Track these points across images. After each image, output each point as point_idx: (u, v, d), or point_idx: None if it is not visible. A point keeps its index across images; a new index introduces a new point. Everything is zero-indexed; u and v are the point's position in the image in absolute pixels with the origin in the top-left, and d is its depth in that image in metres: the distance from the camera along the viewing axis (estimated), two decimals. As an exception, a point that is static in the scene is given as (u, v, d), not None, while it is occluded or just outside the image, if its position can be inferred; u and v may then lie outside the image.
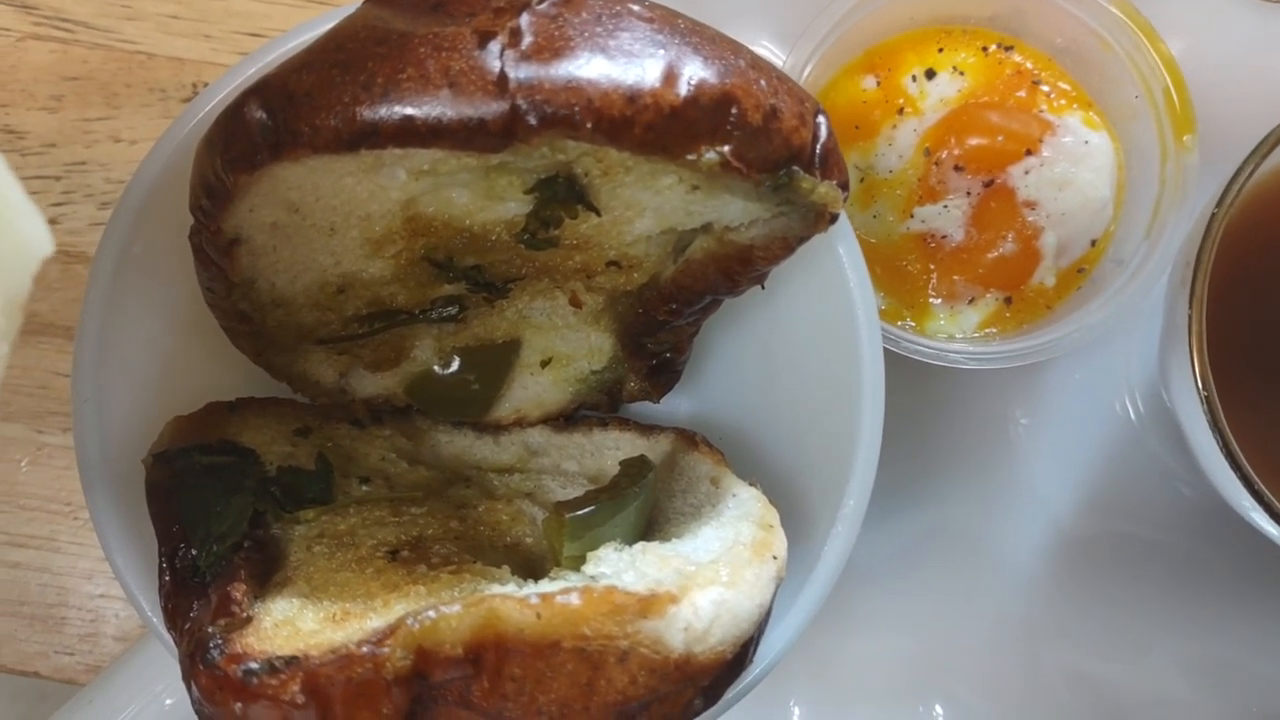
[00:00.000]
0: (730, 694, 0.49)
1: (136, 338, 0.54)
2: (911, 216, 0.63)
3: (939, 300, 0.63)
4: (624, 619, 0.42)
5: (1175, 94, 0.58)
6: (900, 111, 0.63)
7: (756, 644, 0.48)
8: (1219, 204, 0.49)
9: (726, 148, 0.43)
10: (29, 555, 0.70)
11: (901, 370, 0.62)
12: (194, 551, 0.49)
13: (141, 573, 0.52)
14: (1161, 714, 0.62)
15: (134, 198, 0.53)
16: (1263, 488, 0.50)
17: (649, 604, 0.43)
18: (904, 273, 0.63)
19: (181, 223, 0.48)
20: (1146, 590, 0.63)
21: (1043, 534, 0.65)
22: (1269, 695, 0.61)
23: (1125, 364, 0.63)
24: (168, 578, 0.49)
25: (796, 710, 0.64)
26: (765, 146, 0.44)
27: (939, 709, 0.63)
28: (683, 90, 0.42)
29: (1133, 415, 0.64)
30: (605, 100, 0.41)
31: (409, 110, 0.41)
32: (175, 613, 0.49)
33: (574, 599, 0.42)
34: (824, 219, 0.48)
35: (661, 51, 0.43)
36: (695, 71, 0.43)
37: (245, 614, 0.45)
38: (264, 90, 0.43)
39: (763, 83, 0.45)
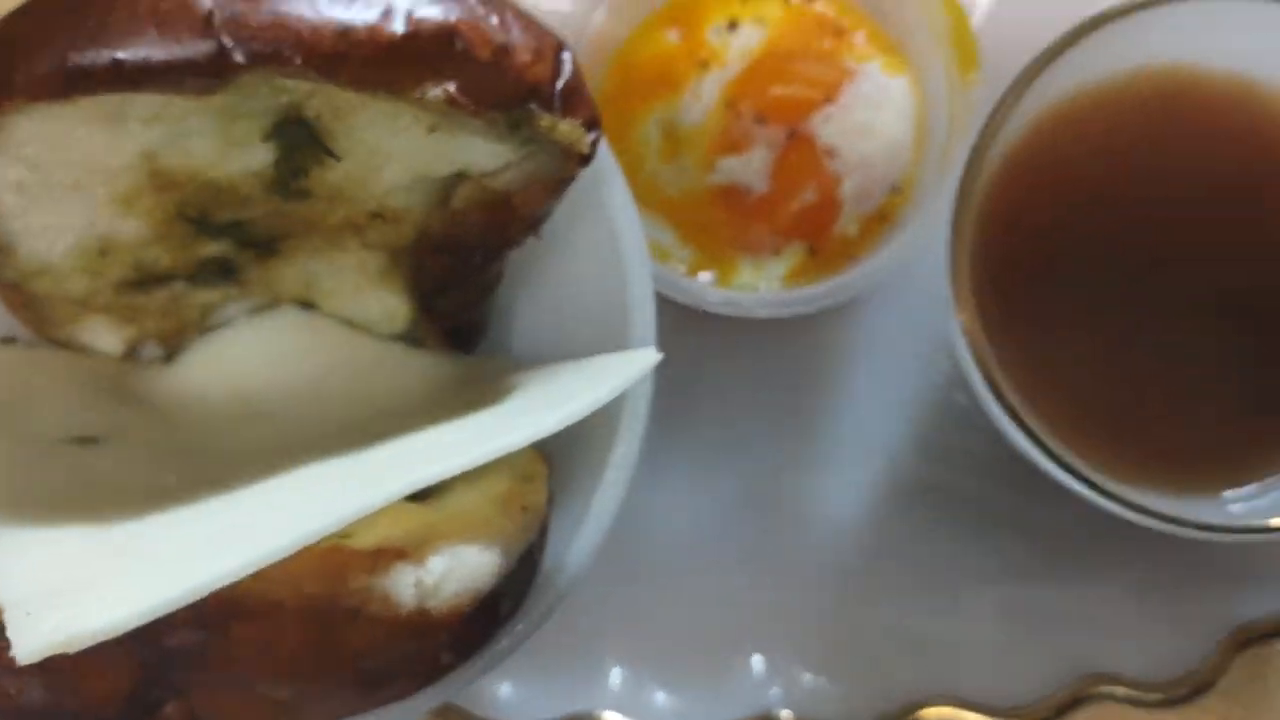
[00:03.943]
0: (500, 646, 0.48)
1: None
2: (714, 169, 0.62)
3: (744, 253, 0.62)
4: (349, 577, 0.42)
5: (958, 33, 0.59)
6: (704, 64, 0.63)
7: (513, 597, 0.47)
8: (979, 139, 0.49)
9: (452, 84, 0.43)
10: None
11: (709, 331, 0.62)
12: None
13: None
14: (974, 654, 0.62)
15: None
16: (1035, 429, 0.50)
17: (375, 560, 0.42)
18: (708, 226, 0.62)
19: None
20: (960, 536, 0.63)
21: (860, 486, 0.65)
22: (1074, 633, 0.62)
23: (930, 311, 0.63)
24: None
25: (617, 669, 0.63)
26: (496, 82, 0.44)
27: (757, 657, 0.63)
28: (399, 26, 0.42)
29: (944, 364, 0.64)
30: (315, 35, 0.41)
31: (117, 53, 0.40)
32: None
33: (298, 558, 0.41)
34: (572, 158, 0.47)
35: (383, -12, 0.42)
36: (416, 7, 0.42)
37: None
38: (-16, 38, 0.42)
39: (494, 19, 0.44)
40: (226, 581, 0.38)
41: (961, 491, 0.64)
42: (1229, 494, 0.52)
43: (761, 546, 0.64)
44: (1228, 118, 0.53)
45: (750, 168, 0.62)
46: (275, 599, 0.41)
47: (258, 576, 0.41)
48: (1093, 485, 0.49)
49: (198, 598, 0.38)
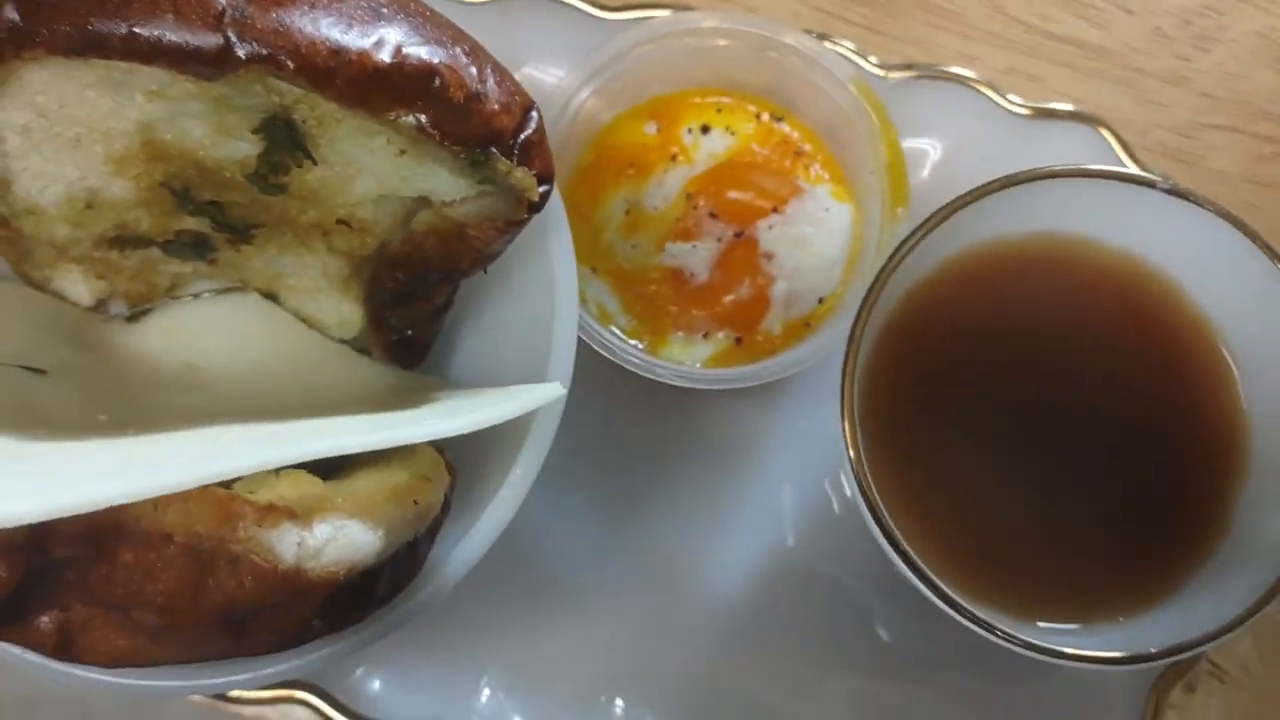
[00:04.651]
0: (370, 629, 0.52)
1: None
2: (665, 251, 0.68)
3: (678, 330, 0.68)
4: (239, 525, 0.46)
5: (894, 170, 0.65)
6: (674, 158, 0.69)
7: (390, 581, 0.51)
8: (884, 264, 0.55)
9: (424, 116, 0.49)
10: None
11: (635, 394, 0.67)
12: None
13: None
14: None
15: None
16: (906, 547, 0.54)
17: (265, 514, 0.46)
18: (652, 300, 0.68)
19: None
20: (830, 626, 0.67)
21: (745, 563, 0.68)
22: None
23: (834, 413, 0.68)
24: None
25: (486, 690, 0.67)
26: (464, 123, 0.49)
27: (619, 702, 0.67)
28: (387, 56, 0.47)
29: (836, 466, 0.69)
30: (311, 49, 0.46)
31: (134, 27, 0.46)
32: None
33: (194, 499, 0.45)
34: (522, 203, 0.53)
35: (382, 23, 0.48)
36: (406, 44, 0.48)
37: None
38: (21, -4, 0.48)
39: (473, 70, 0.50)
40: (122, 500, 0.43)
41: (838, 585, 0.68)
42: (1074, 625, 0.56)
43: (645, 601, 0.68)
44: (1117, 290, 0.59)
45: (697, 256, 0.67)
46: (166, 531, 0.45)
47: (154, 507, 0.45)
48: (939, 592, 0.53)
49: (91, 509, 0.42)
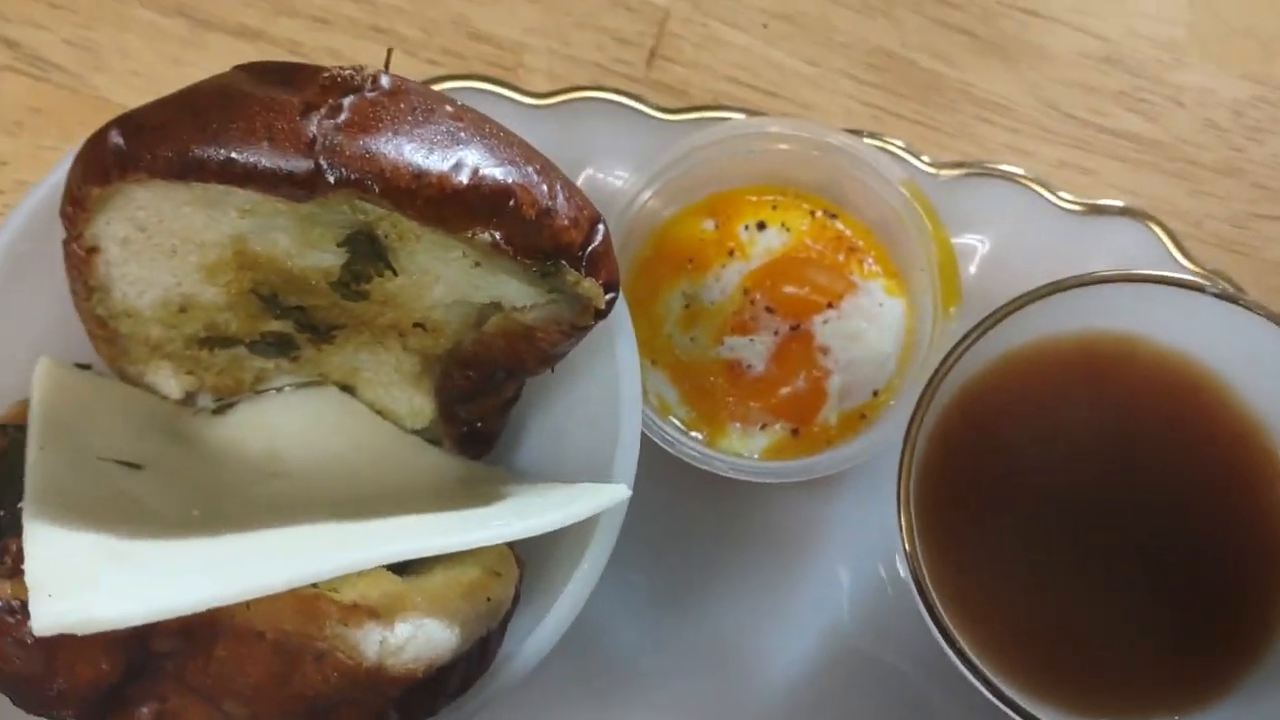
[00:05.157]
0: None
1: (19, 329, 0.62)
2: (722, 344, 0.70)
3: (736, 422, 0.70)
4: (325, 623, 0.48)
5: (945, 269, 0.67)
6: (731, 254, 0.72)
7: (463, 676, 0.53)
8: (939, 365, 0.57)
9: (499, 233, 0.51)
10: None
11: (696, 486, 0.69)
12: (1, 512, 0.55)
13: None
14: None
15: (27, 208, 0.61)
16: (962, 643, 0.55)
17: (350, 614, 0.49)
18: (709, 392, 0.70)
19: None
20: (890, 716, 0.68)
21: (804, 651, 0.70)
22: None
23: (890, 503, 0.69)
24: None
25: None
26: (535, 237, 0.52)
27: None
28: (465, 178, 0.50)
29: (893, 554, 0.70)
30: (395, 173, 0.49)
31: (231, 154, 0.49)
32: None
33: (283, 598, 0.48)
34: (589, 311, 0.55)
35: (460, 147, 0.51)
36: (482, 166, 0.51)
37: (16, 565, 0.50)
38: (125, 120, 0.51)
39: (544, 187, 0.53)
40: (219, 603, 0.46)
41: (895, 671, 0.69)
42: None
43: (706, 685, 0.69)
44: (1168, 388, 0.60)
45: (754, 349, 0.70)
46: (257, 629, 0.48)
47: (246, 607, 0.48)
48: (988, 684, 0.54)
49: (193, 611, 0.45)
